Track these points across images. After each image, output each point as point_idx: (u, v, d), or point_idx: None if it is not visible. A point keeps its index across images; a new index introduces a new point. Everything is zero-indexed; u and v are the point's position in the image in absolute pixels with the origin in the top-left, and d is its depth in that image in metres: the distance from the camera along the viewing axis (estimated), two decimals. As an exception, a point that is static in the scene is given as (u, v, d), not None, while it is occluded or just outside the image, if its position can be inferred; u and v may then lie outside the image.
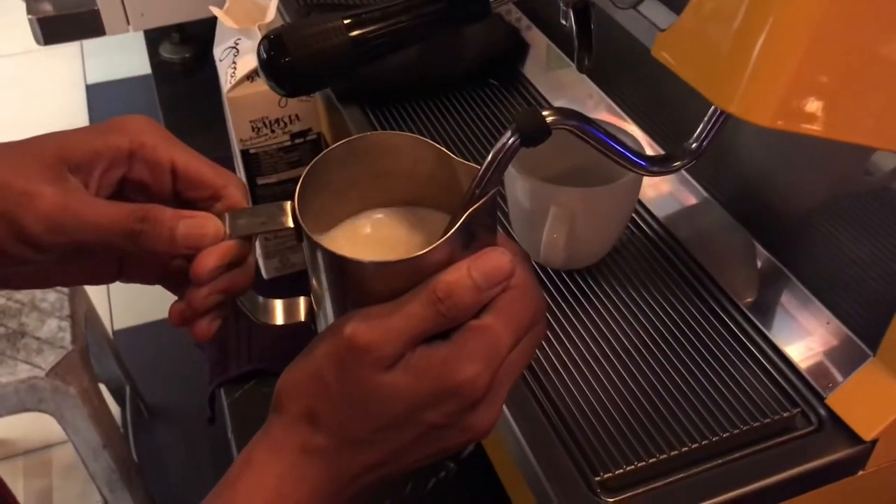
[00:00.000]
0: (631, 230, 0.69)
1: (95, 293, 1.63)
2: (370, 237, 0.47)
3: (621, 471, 0.52)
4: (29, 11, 1.10)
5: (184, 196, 0.46)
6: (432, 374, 0.39)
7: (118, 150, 0.44)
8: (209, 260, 0.42)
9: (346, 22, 0.54)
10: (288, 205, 0.43)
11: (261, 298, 0.48)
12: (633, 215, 0.69)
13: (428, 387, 0.39)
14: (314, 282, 0.45)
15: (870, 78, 0.34)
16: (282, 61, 0.52)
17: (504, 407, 0.56)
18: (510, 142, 0.40)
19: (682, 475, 0.52)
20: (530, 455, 0.54)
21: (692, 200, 0.68)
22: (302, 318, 0.48)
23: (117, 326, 2.01)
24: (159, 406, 1.82)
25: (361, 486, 0.42)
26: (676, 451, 0.53)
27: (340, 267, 0.41)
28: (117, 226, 0.42)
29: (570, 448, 0.54)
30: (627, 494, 0.51)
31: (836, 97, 0.34)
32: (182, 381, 1.77)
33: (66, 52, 2.88)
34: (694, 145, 0.43)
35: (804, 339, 0.58)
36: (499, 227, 0.43)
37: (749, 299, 0.62)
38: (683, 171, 0.68)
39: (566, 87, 0.82)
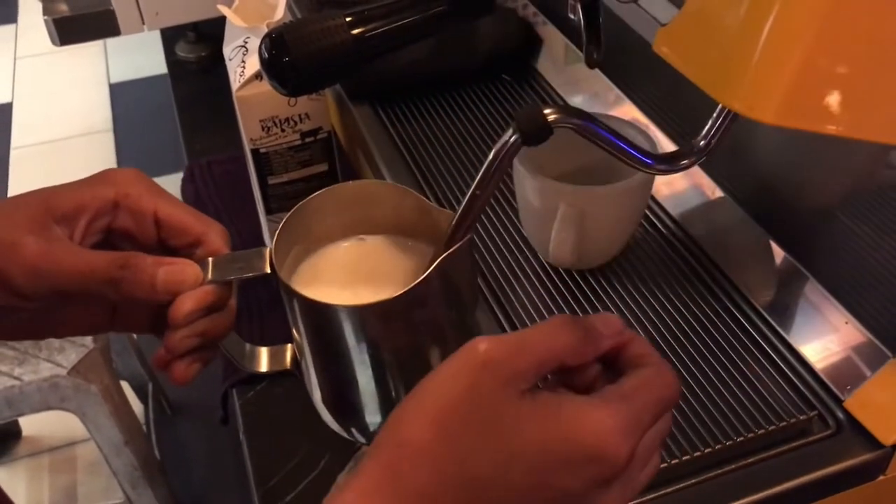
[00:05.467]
0: (645, 228, 0.67)
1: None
2: (350, 266, 0.46)
3: (632, 476, 0.51)
4: (45, 12, 1.10)
5: (168, 244, 0.47)
6: (574, 422, 0.34)
7: (103, 201, 0.46)
8: (186, 304, 0.43)
9: (348, 19, 0.53)
10: (267, 251, 0.44)
11: (247, 346, 0.49)
12: (647, 213, 0.68)
13: (567, 432, 0.34)
14: (294, 330, 0.45)
15: (881, 71, 0.33)
16: (283, 60, 0.52)
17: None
18: (511, 140, 0.39)
19: (696, 480, 0.51)
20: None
21: (707, 198, 0.67)
22: (287, 365, 0.49)
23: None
24: (182, 403, 1.83)
25: None
26: (689, 456, 0.52)
27: (316, 312, 0.41)
28: (98, 273, 0.43)
29: (580, 452, 0.53)
30: (639, 500, 0.50)
31: (847, 92, 0.32)
32: (204, 378, 1.77)
33: (90, 52, 2.90)
34: (702, 143, 0.42)
35: (821, 339, 0.56)
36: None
37: (765, 299, 0.60)
38: (699, 168, 0.67)
39: (581, 83, 0.80)
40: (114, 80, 2.79)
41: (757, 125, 0.61)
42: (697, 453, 0.52)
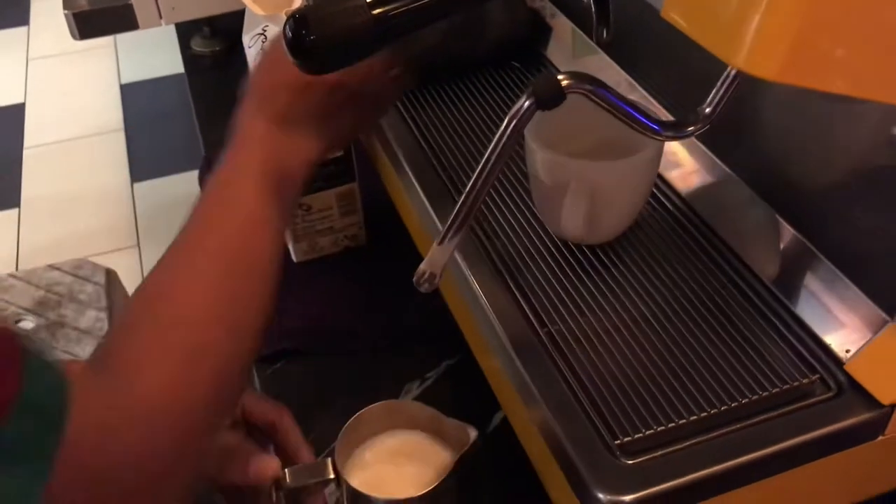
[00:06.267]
0: (652, 206, 0.70)
1: (130, 289, 1.66)
2: (389, 455, 0.65)
3: (640, 435, 0.53)
4: (65, 6, 1.13)
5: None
6: None
7: None
8: None
9: (369, 0, 0.55)
10: (329, 462, 0.61)
11: None
12: (655, 191, 0.70)
13: None
14: None
15: (882, 29, 0.34)
16: (307, 40, 0.54)
17: (527, 377, 0.57)
18: (526, 105, 0.41)
19: (699, 439, 0.53)
20: (553, 422, 0.55)
21: (712, 176, 0.69)
22: None
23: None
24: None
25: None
26: (695, 416, 0.54)
27: (367, 500, 0.59)
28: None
29: (591, 414, 0.55)
30: (645, 457, 0.52)
31: (848, 50, 0.34)
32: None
33: (101, 53, 2.93)
34: (707, 109, 0.44)
35: (823, 306, 0.59)
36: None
37: (769, 270, 0.63)
38: (705, 149, 0.69)
39: (591, 71, 0.83)
40: (125, 80, 2.82)
41: (761, 106, 0.63)
42: (704, 414, 0.54)
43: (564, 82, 0.40)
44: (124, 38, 2.96)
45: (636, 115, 0.43)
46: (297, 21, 0.54)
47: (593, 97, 0.41)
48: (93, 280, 1.54)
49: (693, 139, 0.70)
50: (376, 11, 0.55)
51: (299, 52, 0.55)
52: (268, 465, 0.59)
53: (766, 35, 0.33)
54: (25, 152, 2.54)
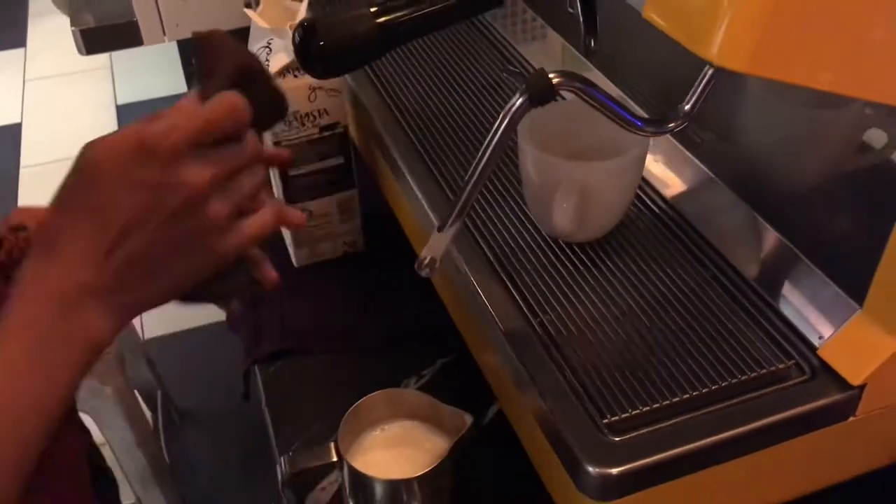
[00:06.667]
0: (638, 207, 0.74)
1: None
2: (388, 442, 0.68)
3: (627, 414, 0.57)
4: (72, 23, 1.17)
5: None
6: (122, 134, 0.46)
7: None
8: None
9: (372, 10, 0.59)
10: (332, 445, 0.65)
11: None
12: (640, 193, 0.74)
13: (120, 142, 0.46)
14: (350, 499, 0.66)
15: (842, 26, 0.38)
16: (315, 46, 0.58)
17: (520, 364, 0.61)
18: (519, 101, 0.45)
19: (682, 418, 0.57)
20: (545, 404, 0.58)
21: (694, 178, 0.73)
22: None
23: (148, 335, 2.07)
24: (190, 412, 1.88)
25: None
26: (678, 398, 0.58)
27: (367, 481, 0.63)
28: None
29: (581, 395, 0.59)
30: (632, 434, 0.56)
31: (810, 43, 0.38)
32: (211, 388, 1.82)
33: (97, 75, 2.97)
34: (686, 107, 0.48)
35: (798, 297, 0.63)
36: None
37: (746, 264, 0.67)
38: (688, 153, 0.73)
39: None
40: (121, 101, 2.86)
41: (740, 115, 0.68)
42: (686, 395, 0.58)
43: (555, 80, 0.44)
44: (120, 60, 3.01)
45: (621, 111, 0.47)
46: (307, 29, 0.58)
47: (582, 94, 0.45)
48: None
49: (677, 145, 0.74)
50: (380, 20, 0.59)
51: (307, 57, 0.59)
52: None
53: (735, 30, 0.37)
54: (22, 171, 2.58)
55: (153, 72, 2.81)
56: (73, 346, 0.47)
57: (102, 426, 1.45)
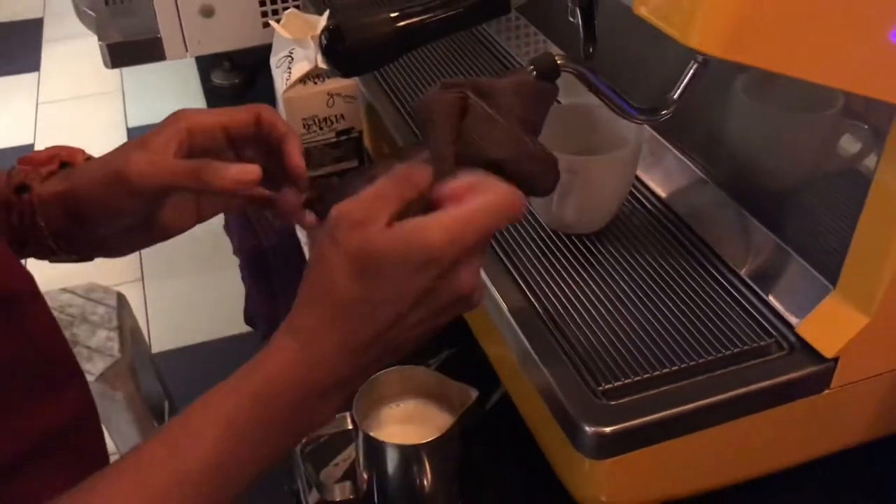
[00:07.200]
0: (633, 204, 0.80)
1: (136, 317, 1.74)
2: (400, 418, 0.72)
3: (620, 382, 0.62)
4: (100, 38, 1.24)
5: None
6: (406, 240, 0.46)
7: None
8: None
9: (392, 15, 0.66)
10: (349, 415, 0.68)
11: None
12: (635, 191, 0.80)
13: (404, 250, 0.45)
14: (364, 470, 0.70)
15: (815, 11, 0.44)
16: (341, 46, 0.64)
17: (525, 341, 0.66)
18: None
19: (671, 385, 0.62)
20: (546, 375, 0.64)
21: (684, 176, 0.79)
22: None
23: (155, 350, 2.12)
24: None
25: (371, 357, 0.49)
26: (668, 369, 0.63)
27: (381, 446, 0.66)
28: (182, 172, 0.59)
29: (579, 367, 0.64)
30: (625, 399, 0.61)
31: (784, 31, 0.44)
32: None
33: (109, 97, 3.05)
34: (675, 96, 0.54)
35: (777, 279, 0.68)
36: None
37: (731, 252, 0.72)
38: (679, 154, 0.79)
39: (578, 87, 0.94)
40: (131, 124, 2.94)
41: (729, 120, 0.74)
42: (675, 367, 0.63)
43: (560, 61, 0.50)
44: (131, 82, 3.09)
45: (616, 97, 0.53)
46: (333, 32, 0.65)
47: (582, 78, 0.51)
48: (104, 302, 1.62)
49: (668, 146, 0.80)
50: (399, 24, 0.65)
51: (333, 57, 0.65)
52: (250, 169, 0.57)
53: (711, 16, 0.43)
54: (34, 190, 2.63)
55: (163, 94, 2.89)
56: (311, 427, 0.51)
57: (112, 431, 1.49)
